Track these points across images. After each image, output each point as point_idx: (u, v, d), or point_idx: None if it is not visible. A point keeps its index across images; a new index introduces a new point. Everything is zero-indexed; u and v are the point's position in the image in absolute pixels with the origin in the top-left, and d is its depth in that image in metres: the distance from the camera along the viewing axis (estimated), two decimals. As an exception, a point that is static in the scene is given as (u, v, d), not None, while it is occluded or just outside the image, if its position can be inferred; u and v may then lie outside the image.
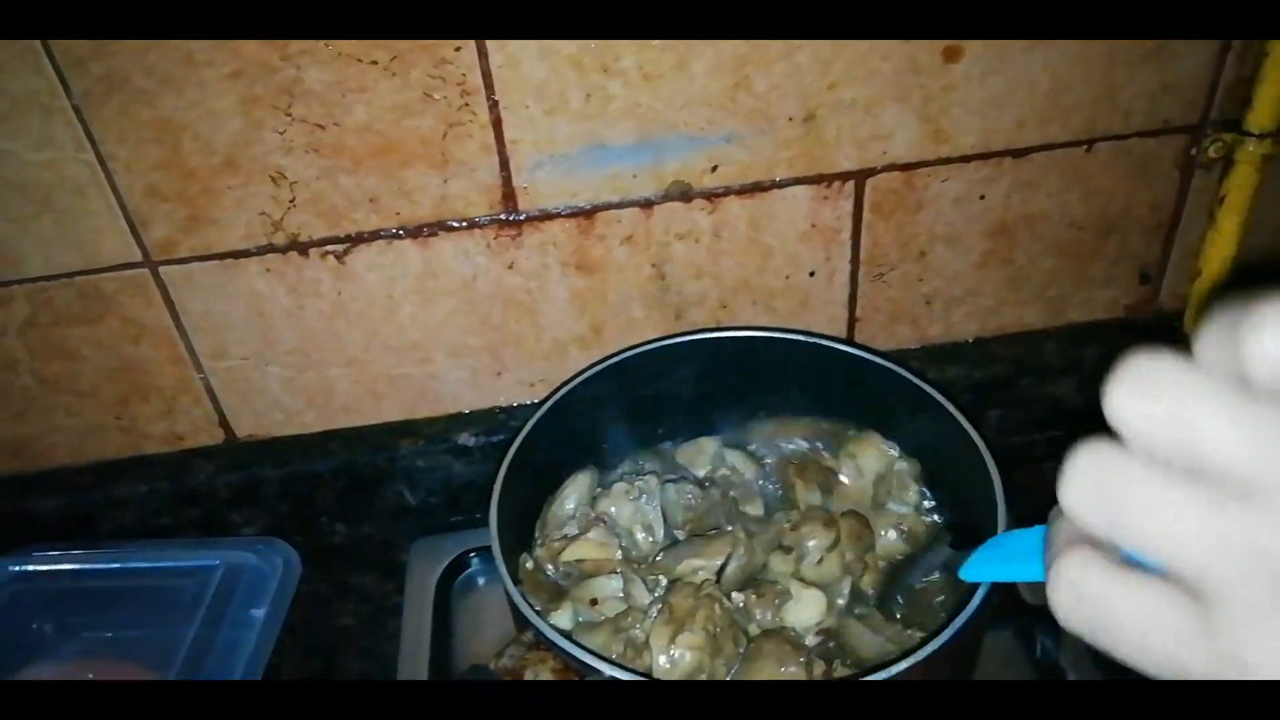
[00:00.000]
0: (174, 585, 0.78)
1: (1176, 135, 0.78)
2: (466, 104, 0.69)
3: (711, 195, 0.75)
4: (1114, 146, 0.77)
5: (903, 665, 0.51)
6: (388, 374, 0.81)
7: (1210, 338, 0.22)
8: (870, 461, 0.72)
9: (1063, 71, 0.72)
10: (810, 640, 0.62)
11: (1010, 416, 0.88)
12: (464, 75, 0.67)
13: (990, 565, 0.32)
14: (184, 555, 0.80)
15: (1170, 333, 0.86)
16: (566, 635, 0.55)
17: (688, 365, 0.76)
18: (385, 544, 0.85)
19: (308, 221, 0.72)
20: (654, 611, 0.60)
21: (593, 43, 0.67)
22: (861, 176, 0.76)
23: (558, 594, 0.66)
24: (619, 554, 0.66)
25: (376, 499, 0.85)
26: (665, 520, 0.69)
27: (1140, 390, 0.23)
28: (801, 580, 0.64)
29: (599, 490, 0.71)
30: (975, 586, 0.54)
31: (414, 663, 0.74)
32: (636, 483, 0.69)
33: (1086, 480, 0.24)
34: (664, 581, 0.64)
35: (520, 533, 0.69)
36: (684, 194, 0.75)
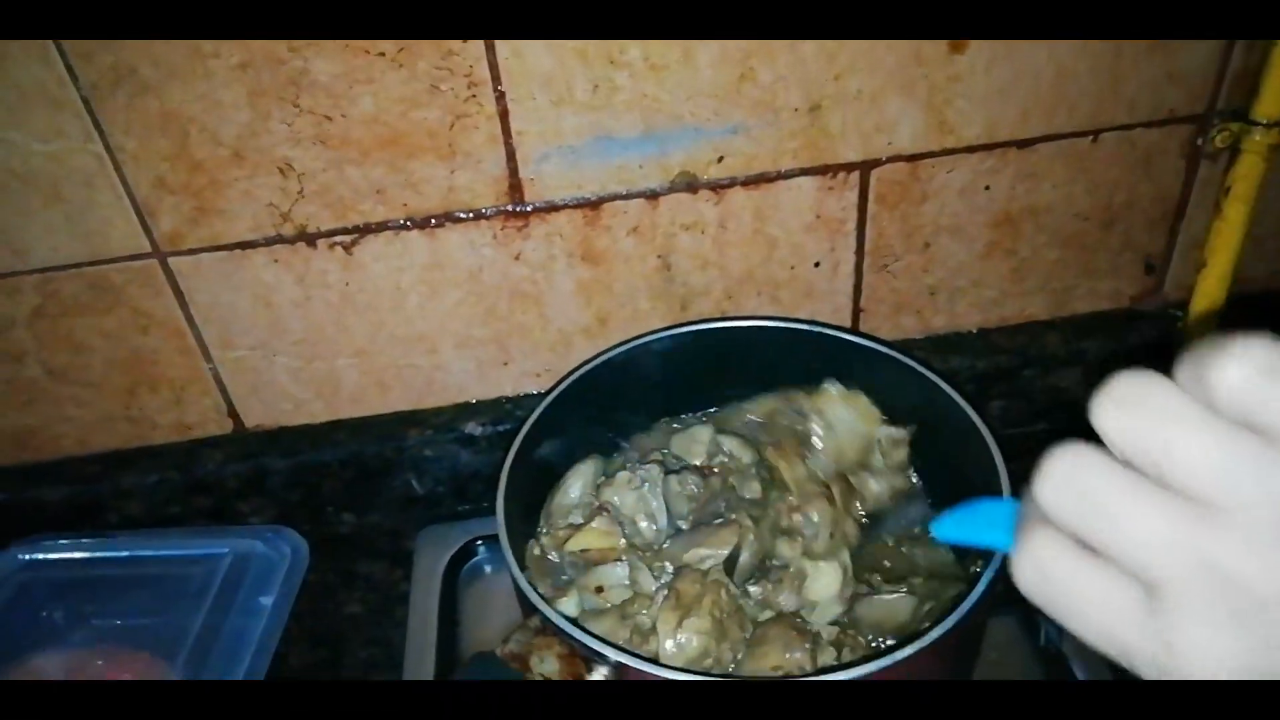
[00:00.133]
0: (182, 574, 0.78)
1: (1182, 125, 0.78)
2: (473, 95, 0.69)
3: (717, 186, 0.75)
4: (1119, 137, 0.77)
5: (906, 652, 0.51)
6: (395, 364, 0.82)
7: (1188, 366, 0.25)
8: (835, 412, 0.72)
9: (1067, 62, 0.72)
10: (837, 609, 0.63)
11: (1013, 407, 0.88)
12: (471, 67, 0.68)
13: (961, 527, 0.34)
14: (192, 544, 0.81)
15: (1174, 323, 0.87)
16: (573, 621, 0.56)
17: (693, 356, 0.76)
18: (392, 533, 0.86)
19: (315, 212, 0.73)
20: (660, 597, 0.60)
21: (599, 33, 0.67)
22: (866, 167, 0.76)
23: (564, 581, 0.66)
24: (623, 542, 0.67)
25: (384, 488, 0.86)
26: (668, 510, 0.69)
27: (1123, 404, 0.26)
28: (813, 557, 0.64)
29: (602, 479, 0.71)
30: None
31: (421, 650, 0.74)
32: (639, 471, 0.70)
33: (1062, 478, 0.27)
34: (669, 569, 0.65)
35: (526, 521, 0.69)
36: (690, 185, 0.75)
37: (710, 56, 0.69)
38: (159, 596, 0.77)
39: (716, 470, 0.70)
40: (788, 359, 0.75)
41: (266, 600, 0.76)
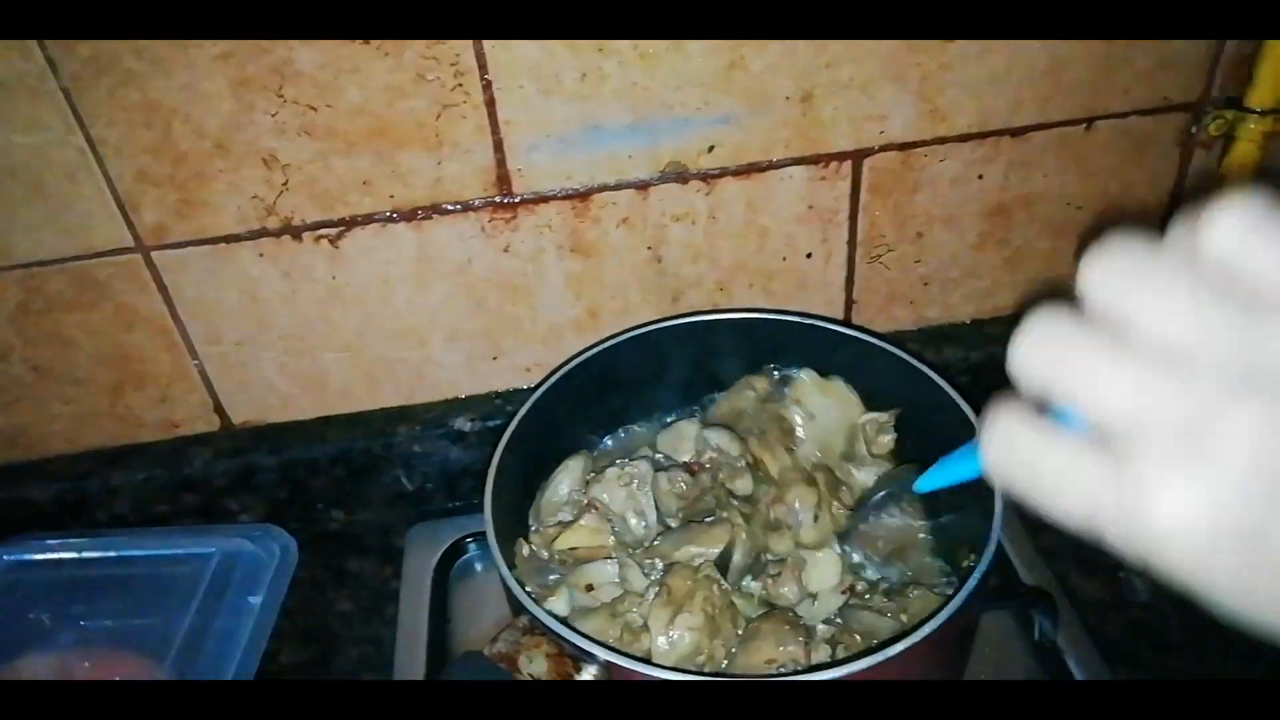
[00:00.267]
0: (171, 573, 0.77)
1: (1176, 113, 0.77)
2: (460, 85, 0.68)
3: (708, 176, 0.75)
4: (1113, 125, 0.77)
5: (900, 647, 0.50)
6: (383, 359, 0.81)
7: (1181, 225, 0.25)
8: (814, 401, 0.72)
9: (1060, 50, 0.72)
10: (837, 600, 0.62)
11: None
12: (457, 55, 0.67)
13: (939, 473, 0.35)
14: (181, 543, 0.80)
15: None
16: (562, 620, 0.55)
17: (685, 349, 0.75)
18: (382, 530, 0.85)
19: (301, 205, 0.72)
20: (651, 594, 0.60)
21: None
22: (859, 157, 0.75)
23: (553, 580, 0.66)
24: (612, 540, 0.66)
25: (373, 485, 0.85)
26: (658, 508, 0.69)
27: (1105, 259, 0.25)
28: (806, 546, 0.64)
29: (591, 475, 0.70)
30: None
31: (411, 648, 0.74)
32: (628, 468, 0.69)
33: (1035, 337, 0.26)
34: (660, 566, 0.64)
35: (517, 518, 0.69)
36: (680, 175, 0.74)
37: (700, 45, 0.68)
38: (147, 596, 0.76)
39: (707, 466, 0.70)
40: (781, 352, 0.75)
41: (255, 599, 0.76)
